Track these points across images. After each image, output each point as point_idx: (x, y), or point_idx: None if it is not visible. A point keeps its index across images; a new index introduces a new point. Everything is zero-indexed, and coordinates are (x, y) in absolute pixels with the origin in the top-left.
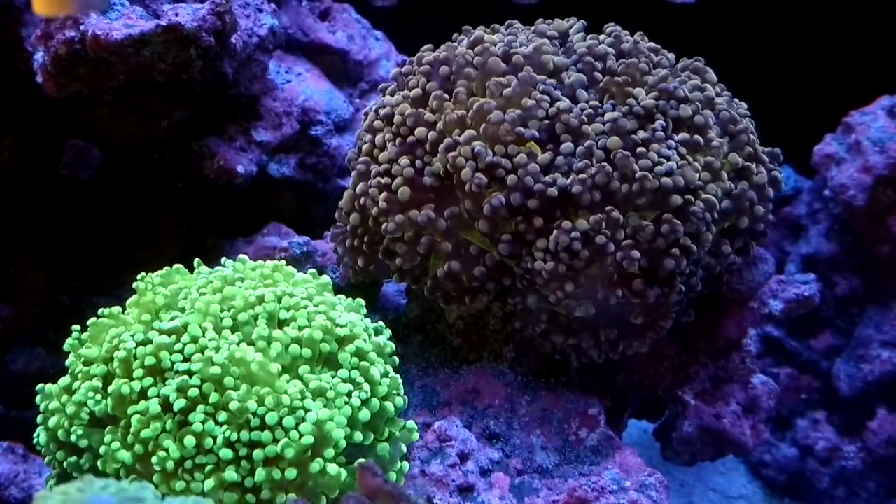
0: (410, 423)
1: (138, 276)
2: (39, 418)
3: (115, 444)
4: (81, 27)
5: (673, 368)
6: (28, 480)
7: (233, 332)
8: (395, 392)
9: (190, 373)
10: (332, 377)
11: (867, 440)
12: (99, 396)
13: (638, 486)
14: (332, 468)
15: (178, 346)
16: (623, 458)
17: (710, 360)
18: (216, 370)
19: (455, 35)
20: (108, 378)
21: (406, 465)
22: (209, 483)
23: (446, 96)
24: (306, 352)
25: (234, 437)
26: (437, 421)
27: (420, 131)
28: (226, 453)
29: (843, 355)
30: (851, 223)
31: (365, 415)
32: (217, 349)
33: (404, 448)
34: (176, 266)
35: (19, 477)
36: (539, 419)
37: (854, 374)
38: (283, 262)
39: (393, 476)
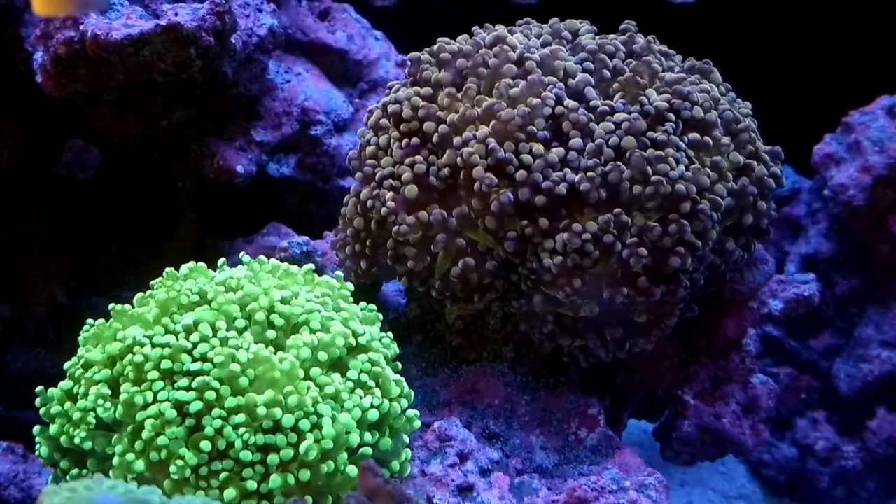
0: (411, 413)
1: (165, 272)
2: (36, 429)
3: (131, 456)
4: (81, 27)
5: (673, 368)
6: (28, 480)
7: (249, 333)
8: (401, 395)
9: (205, 372)
10: (343, 381)
11: (867, 440)
12: (109, 404)
13: (637, 486)
14: (352, 469)
15: (190, 347)
16: (623, 458)
17: (709, 360)
18: (235, 367)
19: (475, 28)
20: (111, 382)
21: (409, 452)
22: (230, 493)
23: (458, 95)
24: (322, 356)
25: (252, 440)
26: (436, 421)
27: (429, 125)
28: (245, 455)
29: (842, 355)
30: (851, 223)
31: (373, 414)
32: (237, 348)
33: (407, 438)
34: (199, 264)
35: (19, 477)
36: (539, 419)
37: (854, 373)
38: (311, 265)
39: (396, 466)
